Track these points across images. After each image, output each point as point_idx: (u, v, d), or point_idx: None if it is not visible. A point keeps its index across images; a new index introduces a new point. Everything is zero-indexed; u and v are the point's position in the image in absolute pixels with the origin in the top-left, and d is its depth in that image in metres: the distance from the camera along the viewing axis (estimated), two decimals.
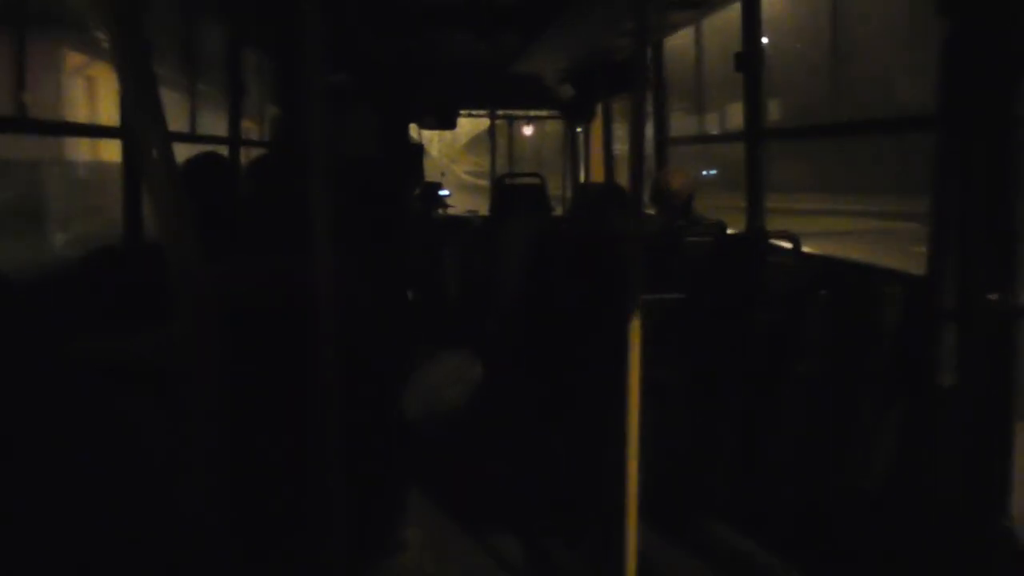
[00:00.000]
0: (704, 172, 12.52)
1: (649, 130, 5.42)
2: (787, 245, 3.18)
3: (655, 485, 2.10)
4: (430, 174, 8.57)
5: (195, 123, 4.42)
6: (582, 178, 7.46)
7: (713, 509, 2.80)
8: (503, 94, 7.40)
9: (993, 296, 2.03)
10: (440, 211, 7.92)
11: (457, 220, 7.86)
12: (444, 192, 8.43)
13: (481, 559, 2.76)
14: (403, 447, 3.06)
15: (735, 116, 3.88)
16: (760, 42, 3.69)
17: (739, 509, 2.76)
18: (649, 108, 5.43)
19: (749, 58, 3.69)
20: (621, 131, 7.17)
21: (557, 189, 7.98)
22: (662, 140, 5.24)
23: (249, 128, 5.36)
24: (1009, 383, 2.04)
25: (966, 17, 2.02)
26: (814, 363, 2.55)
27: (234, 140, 4.57)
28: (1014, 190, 2.02)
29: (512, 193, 7.25)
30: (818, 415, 2.50)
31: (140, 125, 1.39)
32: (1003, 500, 2.05)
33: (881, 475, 2.33)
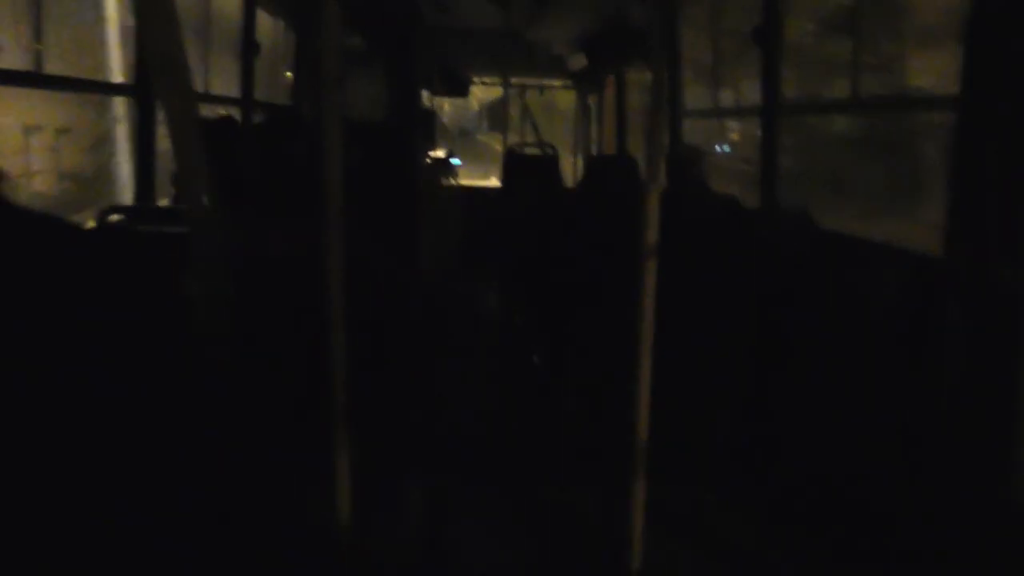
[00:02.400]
0: (717, 147, 12.43)
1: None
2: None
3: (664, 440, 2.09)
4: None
5: (207, 84, 4.40)
6: (594, 149, 7.43)
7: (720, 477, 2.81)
8: (515, 61, 7.35)
9: (1008, 276, 2.02)
10: (451, 180, 7.90)
11: (468, 190, 7.85)
12: (455, 161, 8.41)
13: (488, 516, 2.78)
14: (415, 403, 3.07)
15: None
16: (778, 15, 3.65)
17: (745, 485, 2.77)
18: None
19: (767, 31, 3.65)
20: (633, 102, 7.12)
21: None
22: (676, 113, 5.20)
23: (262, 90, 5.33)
24: (1020, 366, 2.03)
25: None
26: (826, 339, 2.55)
27: (247, 101, 4.55)
28: None
29: (523, 163, 7.23)
30: (829, 393, 2.51)
31: (163, 83, 1.38)
32: (1009, 478, 2.05)
33: (887, 452, 2.34)
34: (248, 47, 4.57)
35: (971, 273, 2.11)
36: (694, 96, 6.02)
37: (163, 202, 3.03)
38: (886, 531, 2.28)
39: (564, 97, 9.27)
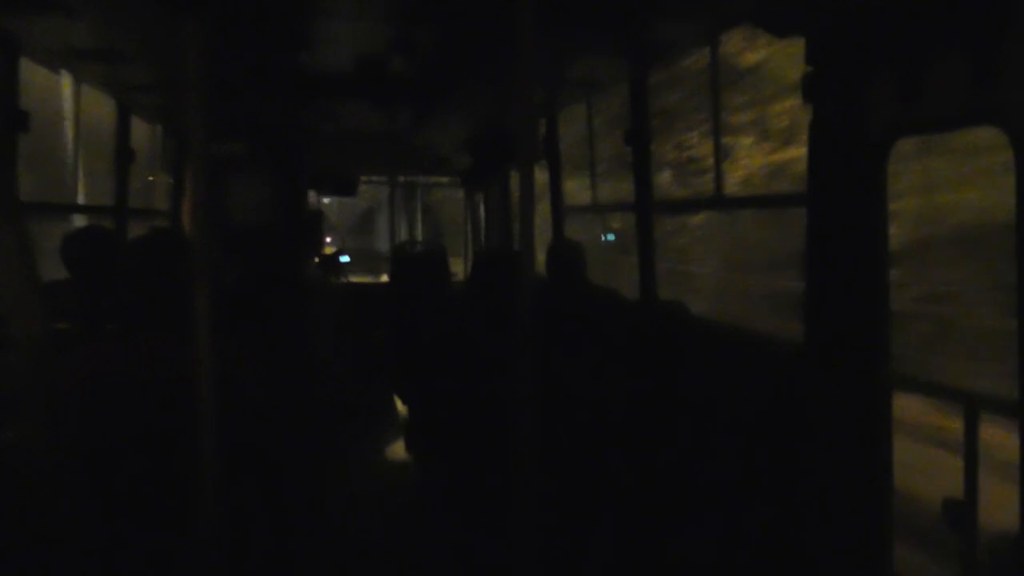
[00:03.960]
0: (603, 237, 12.88)
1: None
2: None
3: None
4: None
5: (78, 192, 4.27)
6: (481, 246, 7.54)
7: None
8: (401, 161, 7.47)
9: (866, 367, 2.13)
10: (341, 279, 7.84)
11: (357, 288, 7.80)
12: (344, 259, 8.37)
13: None
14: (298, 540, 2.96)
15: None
16: (647, 118, 3.86)
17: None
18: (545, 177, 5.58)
19: (637, 133, 3.85)
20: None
21: None
22: (557, 208, 5.36)
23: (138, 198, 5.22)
24: (886, 452, 2.12)
25: (827, 105, 2.17)
26: (699, 427, 2.61)
27: (121, 210, 4.43)
28: (880, 263, 2.15)
29: (410, 261, 7.27)
30: (701, 478, 2.56)
31: None
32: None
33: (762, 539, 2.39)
34: (122, 154, 4.48)
35: (837, 363, 2.22)
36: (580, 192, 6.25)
37: None
38: None
39: (456, 195, 9.44)
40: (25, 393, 1.41)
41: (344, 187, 7.69)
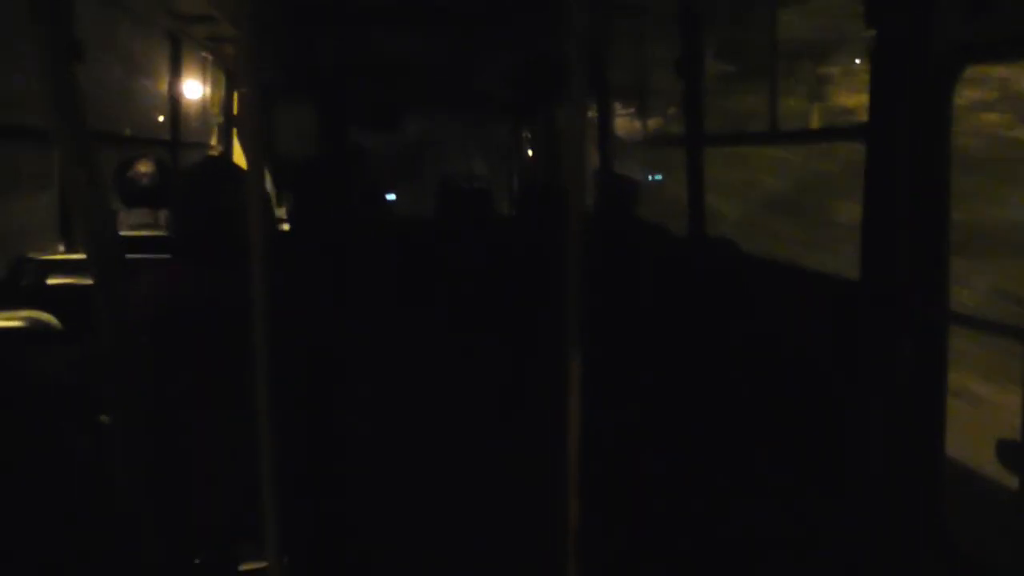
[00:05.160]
0: (649, 176, 12.70)
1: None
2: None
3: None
4: None
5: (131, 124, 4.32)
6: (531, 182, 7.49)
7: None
8: (447, 96, 7.39)
9: (922, 304, 2.08)
10: (385, 214, 7.86)
11: (402, 225, 7.83)
12: (391, 196, 8.39)
13: None
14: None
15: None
16: (700, 48, 3.75)
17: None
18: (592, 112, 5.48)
19: (689, 64, 3.75)
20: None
21: None
22: (605, 143, 5.29)
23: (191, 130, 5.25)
24: (941, 390, 2.09)
25: (891, 29, 2.09)
26: (749, 366, 2.60)
27: (174, 143, 4.48)
28: (941, 197, 2.08)
29: (454, 196, 7.25)
30: (752, 423, 2.55)
31: (59, 127, 1.36)
32: (939, 506, 2.10)
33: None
34: (175, 87, 4.51)
35: (893, 299, 2.17)
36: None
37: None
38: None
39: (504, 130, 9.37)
40: (101, 316, 1.44)
41: (389, 123, 7.67)
